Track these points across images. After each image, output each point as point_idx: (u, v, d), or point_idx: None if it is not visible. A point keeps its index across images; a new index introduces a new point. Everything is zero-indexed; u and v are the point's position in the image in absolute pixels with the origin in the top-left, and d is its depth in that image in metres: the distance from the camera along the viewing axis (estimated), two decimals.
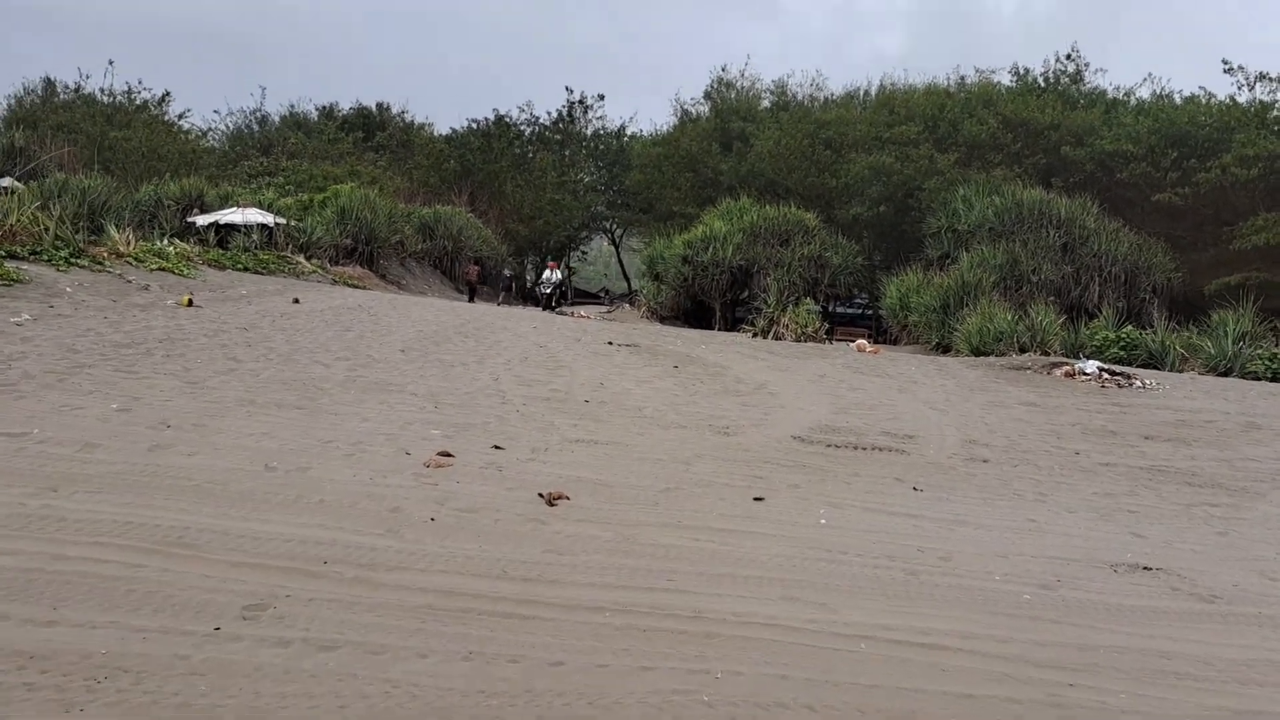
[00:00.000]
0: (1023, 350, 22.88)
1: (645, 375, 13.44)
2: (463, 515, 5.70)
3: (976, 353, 23.89)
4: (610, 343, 17.00)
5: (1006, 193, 34.37)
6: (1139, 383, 18.06)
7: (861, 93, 49.23)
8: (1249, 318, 24.39)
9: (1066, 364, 19.62)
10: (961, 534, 6.62)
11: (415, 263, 38.60)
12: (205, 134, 56.54)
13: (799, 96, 50.39)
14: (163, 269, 20.23)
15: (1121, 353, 23.89)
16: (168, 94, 54.18)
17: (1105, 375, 18.61)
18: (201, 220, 30.03)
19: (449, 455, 7.26)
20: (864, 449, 9.62)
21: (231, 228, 28.85)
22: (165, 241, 24.14)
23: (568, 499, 6.39)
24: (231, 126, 58.77)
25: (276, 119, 59.25)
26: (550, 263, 38.41)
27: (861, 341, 22.73)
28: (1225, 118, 36.30)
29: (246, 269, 24.73)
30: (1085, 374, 18.71)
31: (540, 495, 6.38)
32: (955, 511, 7.31)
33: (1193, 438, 12.27)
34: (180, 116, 54.81)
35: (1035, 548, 6.42)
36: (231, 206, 31.44)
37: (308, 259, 28.30)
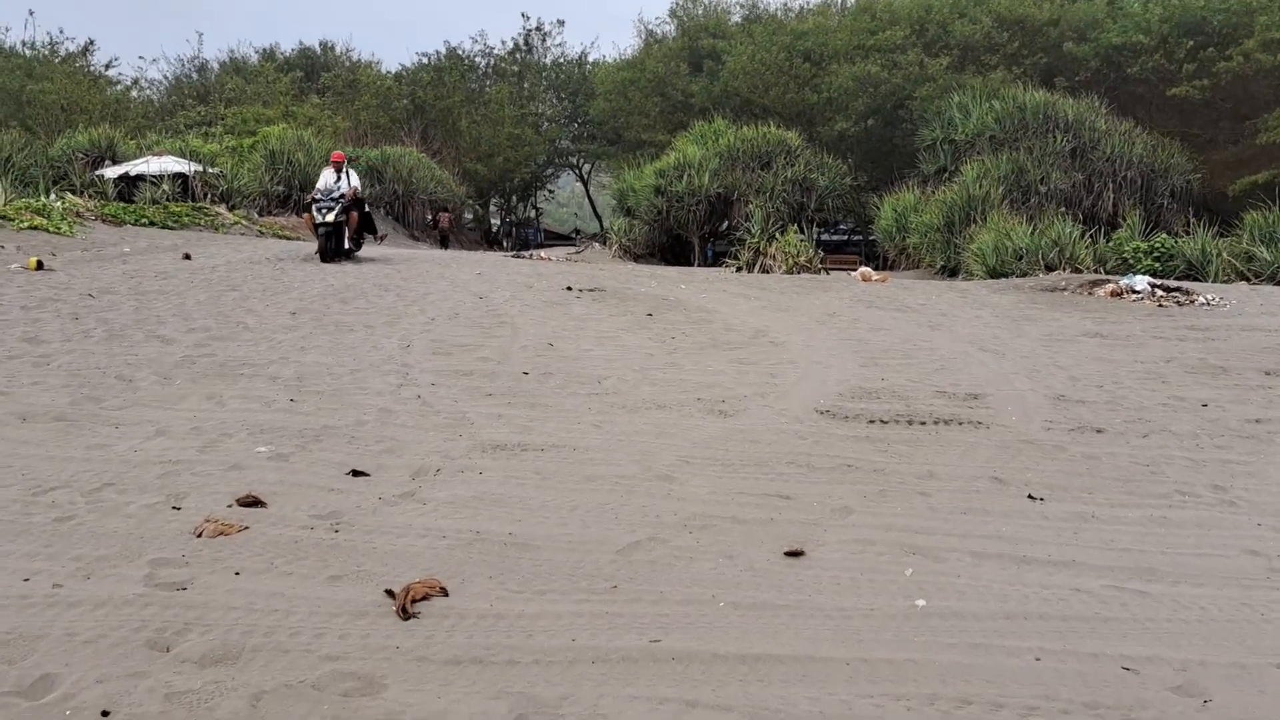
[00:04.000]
0: (1049, 269, 19.93)
1: (610, 328, 10.35)
2: (182, 691, 2.66)
3: (994, 274, 20.95)
4: (569, 288, 13.88)
5: (1006, 97, 31.13)
6: (1201, 299, 15.15)
7: (839, 1, 45.50)
8: None
9: (1109, 281, 16.69)
10: (1172, 605, 3.64)
11: None
12: (134, 83, 52.54)
13: (771, 8, 46.64)
14: (36, 228, 16.96)
15: (1155, 264, 21.01)
16: (91, 43, 50.11)
17: (1160, 293, 15.70)
18: (110, 172, 26.55)
19: (254, 504, 4.20)
20: (922, 423, 6.61)
21: (140, 179, 25.37)
22: (53, 196, 20.76)
23: (443, 594, 3.37)
24: (170, 77, 55.08)
25: (216, 66, 55.57)
26: (334, 154, 18.18)
27: (866, 269, 19.66)
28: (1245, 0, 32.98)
29: (153, 223, 21.42)
30: (1135, 292, 15.81)
31: (389, 594, 3.35)
32: (1122, 545, 4.32)
33: None
34: (106, 66, 50.95)
35: None
36: (147, 156, 27.97)
37: (230, 209, 24.90)
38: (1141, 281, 16.42)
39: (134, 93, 52.19)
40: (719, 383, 7.72)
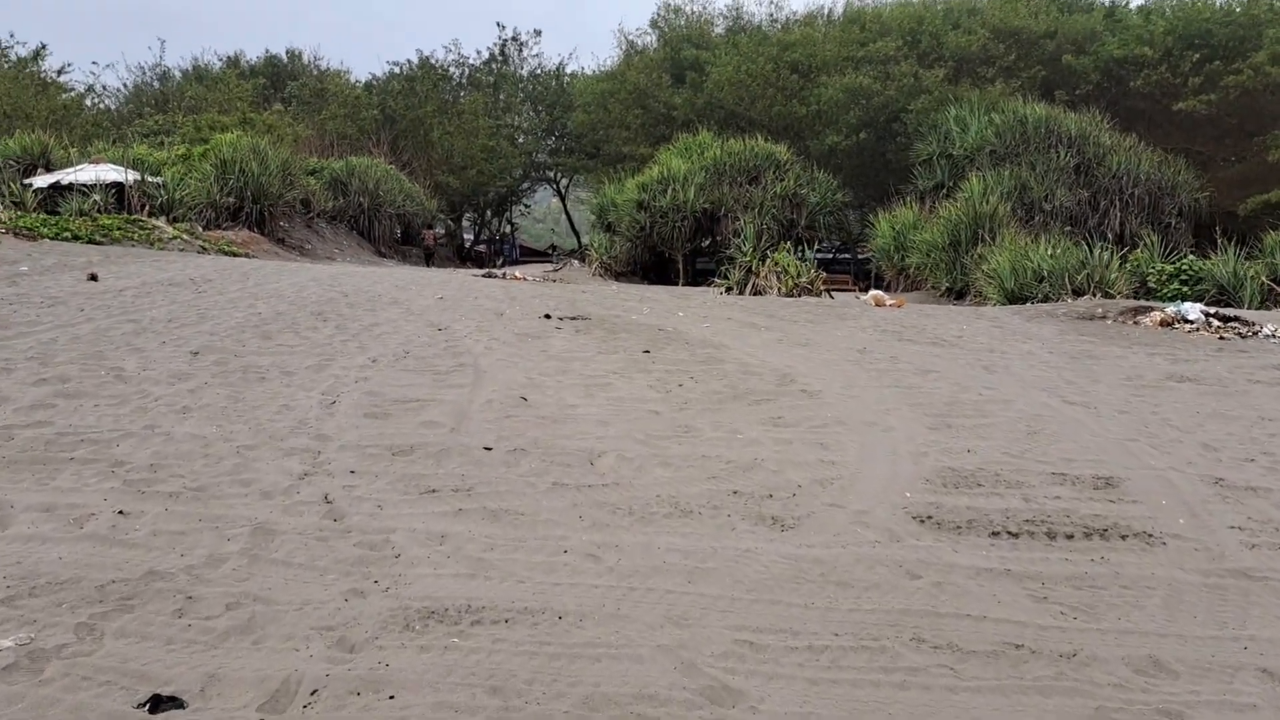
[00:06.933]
0: (1078, 293, 18.01)
1: (599, 371, 8.18)
2: None
3: (1011, 298, 19.01)
4: (547, 316, 11.70)
5: (1006, 109, 29.37)
6: (1265, 330, 13.24)
7: (826, 11, 43.76)
8: None
9: (1154, 309, 14.73)
10: None
11: (326, 224, 32.84)
12: (89, 90, 49.96)
13: (756, 19, 44.84)
14: None
15: (1183, 288, 19.22)
16: (43, 47, 47.58)
17: (1217, 322, 13.80)
18: (40, 181, 24.12)
19: None
20: (1068, 536, 4.50)
21: (68, 188, 22.96)
22: None
23: None
24: (130, 85, 52.68)
25: (178, 74, 53.24)
26: None
27: (878, 293, 17.62)
28: (1251, 11, 31.38)
29: (77, 237, 19.06)
30: (1188, 321, 13.88)
31: None
32: None
33: None
34: (59, 73, 48.47)
35: None
36: (83, 163, 25.55)
37: (172, 222, 22.51)
38: (1194, 310, 14.52)
39: (88, 100, 49.77)
40: (757, 460, 5.57)
